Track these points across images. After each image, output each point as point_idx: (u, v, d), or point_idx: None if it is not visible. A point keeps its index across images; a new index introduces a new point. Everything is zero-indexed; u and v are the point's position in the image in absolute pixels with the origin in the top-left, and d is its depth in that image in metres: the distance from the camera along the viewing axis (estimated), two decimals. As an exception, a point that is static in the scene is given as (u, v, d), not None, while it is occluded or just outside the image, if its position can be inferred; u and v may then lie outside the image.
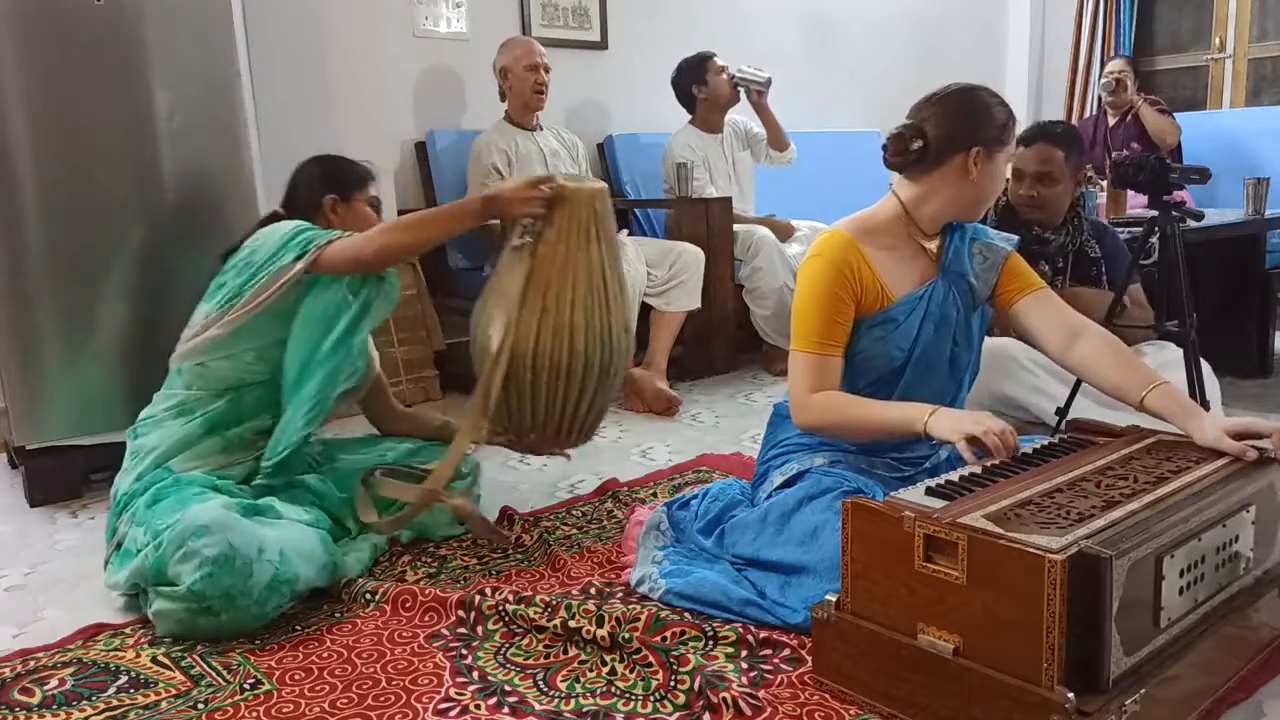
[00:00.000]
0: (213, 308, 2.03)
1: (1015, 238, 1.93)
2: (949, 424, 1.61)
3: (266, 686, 1.54)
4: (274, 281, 1.97)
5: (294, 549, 1.76)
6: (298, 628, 1.74)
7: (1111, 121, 4.63)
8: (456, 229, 2.08)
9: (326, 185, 2.19)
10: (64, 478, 2.52)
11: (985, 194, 1.82)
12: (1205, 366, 2.37)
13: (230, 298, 2.00)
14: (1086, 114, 5.40)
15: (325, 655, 1.64)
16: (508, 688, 1.51)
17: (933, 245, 1.86)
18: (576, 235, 1.98)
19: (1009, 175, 2.39)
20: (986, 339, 2.34)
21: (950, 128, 1.77)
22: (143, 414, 2.09)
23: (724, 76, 3.83)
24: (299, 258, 1.96)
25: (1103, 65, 5.04)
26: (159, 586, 1.72)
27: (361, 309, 1.99)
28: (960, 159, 1.77)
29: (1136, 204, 3.59)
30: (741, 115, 4.01)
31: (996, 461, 1.56)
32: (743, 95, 3.87)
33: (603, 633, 1.59)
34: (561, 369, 1.98)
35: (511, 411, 2.05)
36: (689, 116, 3.92)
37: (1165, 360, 2.41)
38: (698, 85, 3.85)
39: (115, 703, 1.51)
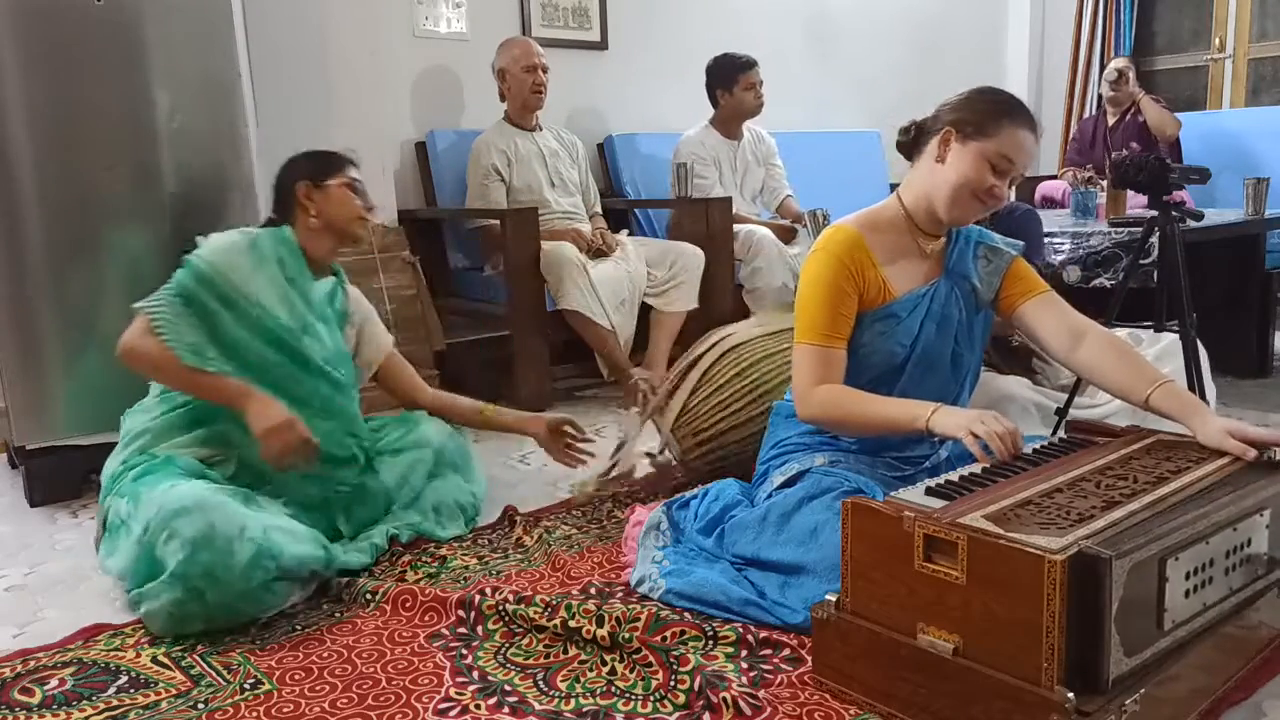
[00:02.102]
0: None
1: (1020, 243, 1.91)
2: (953, 420, 1.61)
3: (266, 686, 1.54)
4: None
5: (278, 528, 1.77)
6: (298, 628, 1.74)
7: (1111, 121, 4.63)
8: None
9: (299, 174, 2.15)
10: (64, 478, 2.52)
11: (947, 183, 1.74)
12: (1204, 361, 2.37)
13: None
14: (1086, 114, 5.40)
15: (325, 655, 1.64)
16: (508, 688, 1.51)
17: (936, 246, 1.86)
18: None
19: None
20: (993, 376, 2.33)
21: (938, 110, 1.79)
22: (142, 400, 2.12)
23: (751, 93, 3.81)
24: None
25: (1103, 65, 5.04)
26: (146, 585, 1.71)
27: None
28: (935, 141, 1.77)
29: (1136, 204, 3.59)
30: (765, 128, 4.01)
31: (1001, 460, 1.56)
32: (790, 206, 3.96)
33: (603, 633, 1.59)
34: (754, 389, 2.27)
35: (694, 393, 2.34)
36: (710, 114, 3.90)
37: (1162, 347, 2.40)
38: (723, 91, 3.83)
39: (115, 703, 1.51)
